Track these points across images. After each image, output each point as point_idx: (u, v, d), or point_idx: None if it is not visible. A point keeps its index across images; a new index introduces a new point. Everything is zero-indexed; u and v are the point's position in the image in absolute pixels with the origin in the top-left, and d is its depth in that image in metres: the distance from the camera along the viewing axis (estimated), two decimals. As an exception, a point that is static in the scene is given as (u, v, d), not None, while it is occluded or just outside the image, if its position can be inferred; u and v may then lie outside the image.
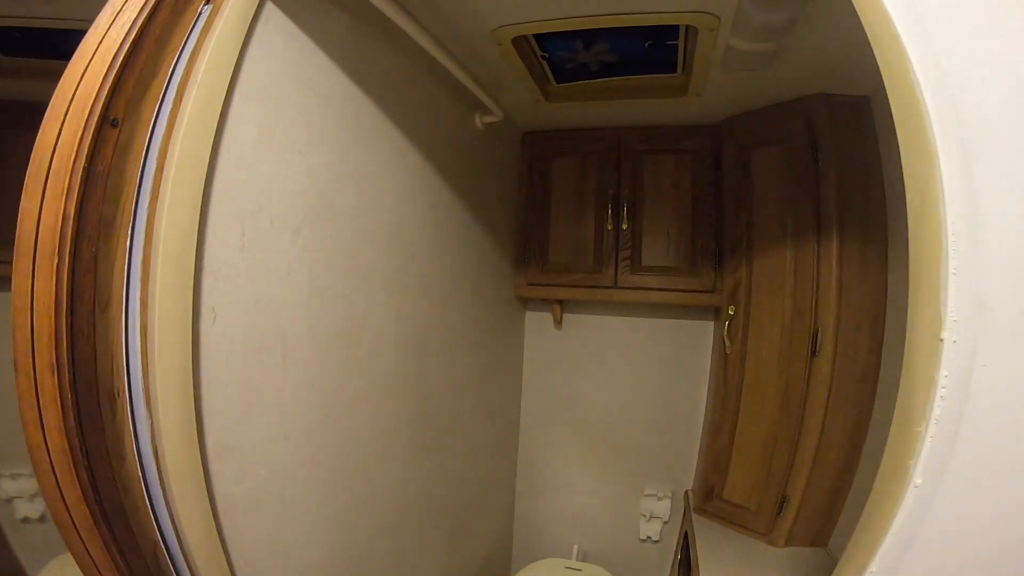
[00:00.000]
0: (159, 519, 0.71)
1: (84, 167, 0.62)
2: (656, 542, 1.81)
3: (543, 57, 1.36)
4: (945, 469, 0.37)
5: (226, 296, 0.76)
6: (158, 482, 0.70)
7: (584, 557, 1.87)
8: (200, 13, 0.68)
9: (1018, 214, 0.37)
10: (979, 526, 0.37)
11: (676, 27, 1.17)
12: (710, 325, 1.76)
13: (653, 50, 1.31)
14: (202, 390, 0.74)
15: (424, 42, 1.04)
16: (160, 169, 0.67)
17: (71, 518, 0.66)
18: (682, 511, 1.76)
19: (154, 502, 0.71)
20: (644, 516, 1.79)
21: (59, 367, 0.63)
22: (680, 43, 1.24)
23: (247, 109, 0.76)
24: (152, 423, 0.68)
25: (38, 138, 0.63)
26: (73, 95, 0.64)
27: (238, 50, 0.71)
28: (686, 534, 1.59)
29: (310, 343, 0.90)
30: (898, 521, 0.38)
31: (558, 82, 1.49)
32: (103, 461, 0.67)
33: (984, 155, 0.38)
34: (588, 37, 1.27)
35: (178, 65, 0.68)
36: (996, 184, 0.38)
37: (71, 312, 0.63)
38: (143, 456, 0.70)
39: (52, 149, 0.63)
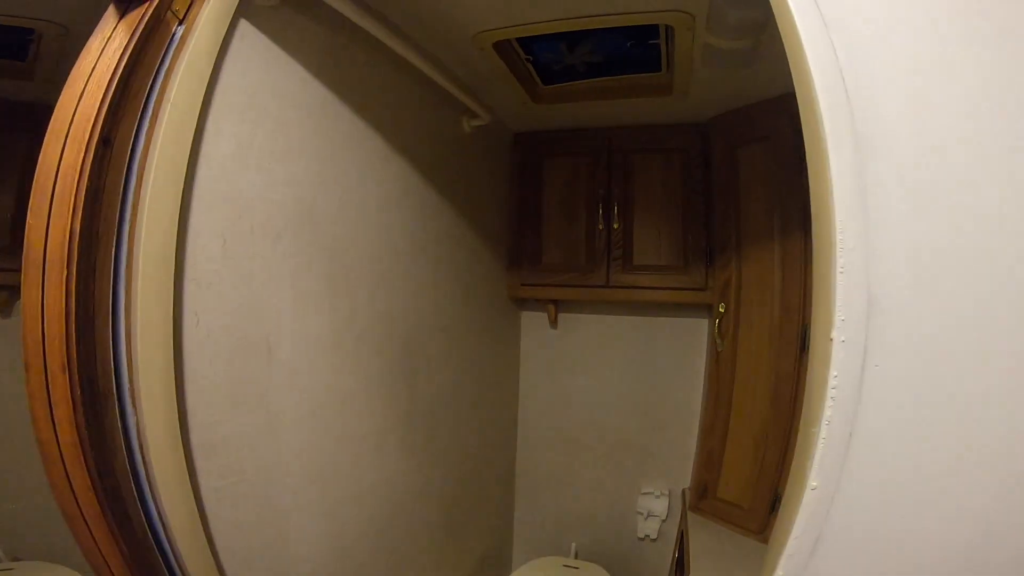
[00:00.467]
0: (147, 511, 0.75)
1: (87, 186, 0.67)
2: (654, 540, 1.81)
3: (528, 60, 1.38)
4: (842, 471, 0.37)
5: (209, 301, 0.80)
6: (144, 476, 0.74)
7: (583, 555, 1.88)
8: (174, 33, 0.72)
9: (909, 210, 0.37)
10: (882, 529, 0.37)
11: (657, 26, 1.17)
12: (704, 323, 1.75)
13: (637, 50, 1.31)
14: (186, 389, 0.77)
15: (403, 50, 1.07)
16: (139, 184, 0.71)
17: (79, 508, 0.71)
18: (680, 509, 1.76)
19: (142, 495, 0.75)
20: (642, 514, 1.79)
21: (70, 367, 0.68)
22: (662, 42, 1.25)
23: (225, 123, 0.80)
24: (137, 420, 0.72)
25: (41, 158, 0.68)
26: (72, 118, 0.69)
27: (211, 67, 0.74)
28: (682, 532, 1.60)
29: (294, 344, 0.94)
30: (799, 525, 0.38)
31: (545, 84, 1.50)
32: (106, 454, 0.72)
33: (878, 151, 0.38)
34: (571, 39, 1.28)
35: (155, 84, 0.72)
36: (888, 181, 0.38)
37: (77, 318, 0.68)
38: (132, 451, 0.74)
39: (56, 169, 0.67)
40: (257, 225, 0.87)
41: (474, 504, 1.66)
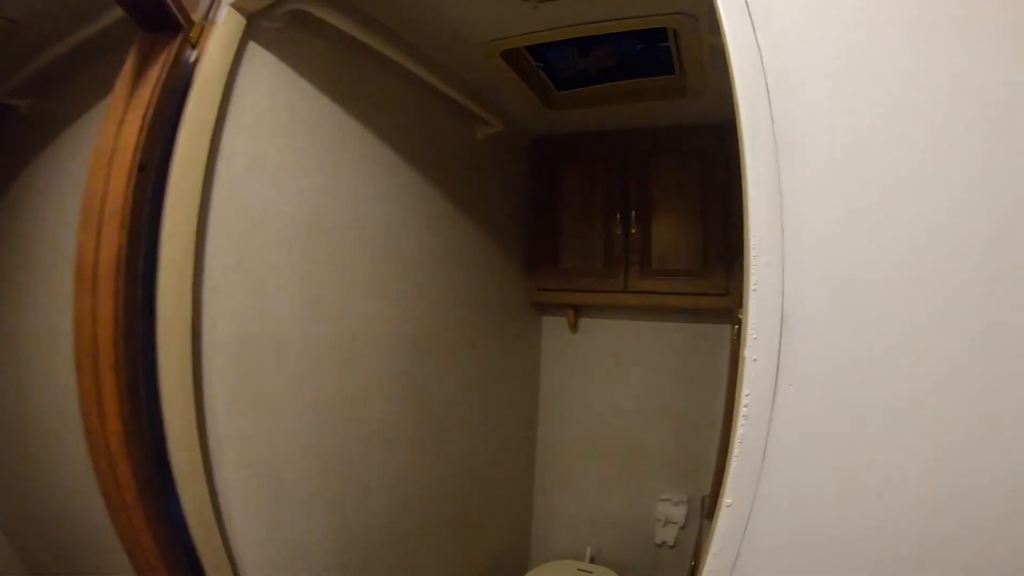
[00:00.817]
0: (168, 497, 0.82)
1: (131, 208, 0.75)
2: (672, 548, 1.78)
3: (539, 66, 1.39)
4: (756, 490, 0.37)
5: (225, 307, 0.86)
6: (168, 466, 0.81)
7: (599, 560, 1.87)
8: (188, 58, 0.78)
9: (827, 221, 0.36)
10: (800, 547, 0.37)
11: (665, 29, 1.16)
12: (726, 328, 1.71)
13: (648, 53, 1.30)
14: (203, 387, 0.84)
15: (410, 63, 1.11)
16: (163, 201, 0.78)
17: (121, 496, 0.78)
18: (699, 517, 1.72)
19: (165, 483, 0.82)
20: (659, 521, 1.77)
21: (117, 366, 0.76)
22: (672, 44, 1.23)
23: (238, 141, 0.85)
24: (162, 414, 0.79)
25: (88, 183, 0.76)
26: (115, 146, 0.76)
27: (222, 88, 0.80)
28: (699, 541, 1.56)
29: (303, 347, 0.99)
30: (716, 543, 0.39)
31: (559, 89, 1.51)
32: (141, 445, 0.79)
33: (797, 158, 0.37)
34: (581, 44, 1.29)
35: (175, 107, 0.78)
36: (806, 191, 0.36)
37: (124, 323, 0.76)
38: (157, 442, 0.81)
39: (103, 194, 0.75)
40: (270, 236, 0.93)
41: (489, 504, 1.69)
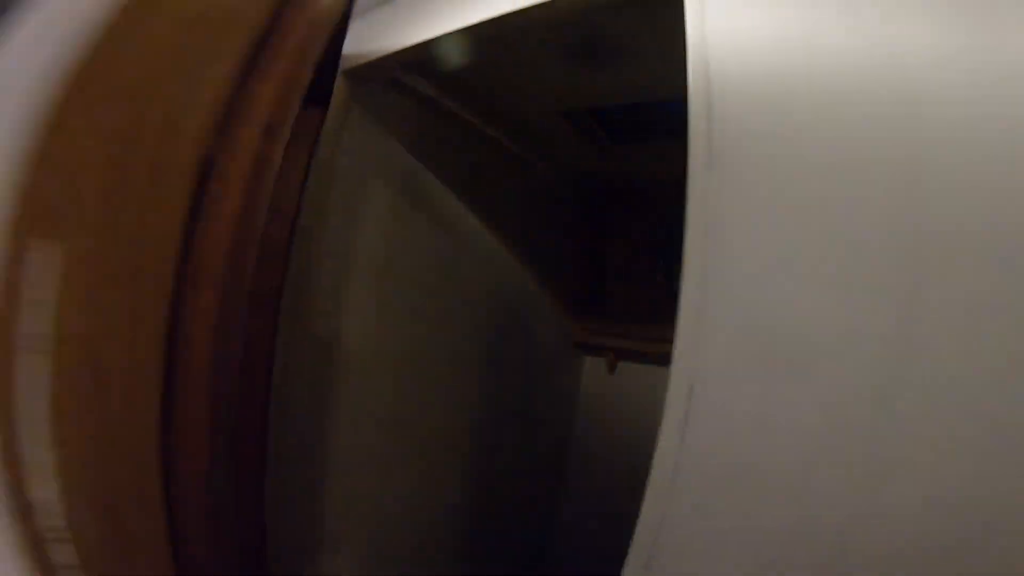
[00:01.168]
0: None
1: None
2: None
3: (598, 123, 1.52)
4: (669, 501, 0.50)
5: (311, 334, 0.99)
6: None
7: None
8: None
9: (728, 327, 0.45)
10: (698, 544, 0.49)
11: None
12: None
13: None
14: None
15: (479, 121, 1.27)
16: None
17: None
18: None
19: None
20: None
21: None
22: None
23: (338, 195, 0.98)
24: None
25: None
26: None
27: (332, 148, 0.94)
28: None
29: (371, 366, 1.10)
30: (635, 543, 0.51)
31: (614, 143, 1.62)
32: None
33: (725, 253, 0.46)
34: (642, 104, 1.39)
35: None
36: (717, 306, 0.46)
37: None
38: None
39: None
40: (356, 274, 1.05)
41: (508, 519, 1.75)
